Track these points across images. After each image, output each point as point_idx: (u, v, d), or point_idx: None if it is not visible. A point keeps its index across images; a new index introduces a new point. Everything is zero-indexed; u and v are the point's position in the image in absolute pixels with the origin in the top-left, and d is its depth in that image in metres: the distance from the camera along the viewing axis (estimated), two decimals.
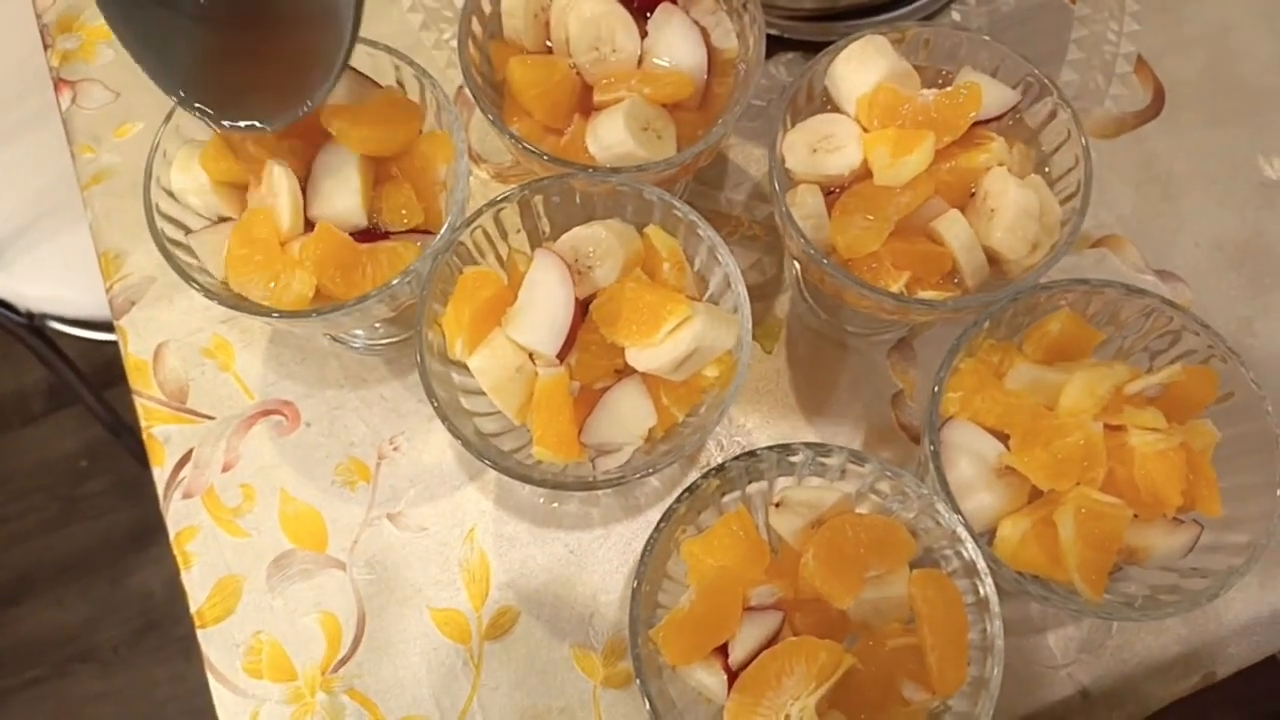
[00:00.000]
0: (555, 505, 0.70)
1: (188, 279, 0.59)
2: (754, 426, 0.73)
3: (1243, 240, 0.79)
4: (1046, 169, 0.63)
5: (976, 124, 0.62)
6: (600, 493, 0.71)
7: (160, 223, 0.60)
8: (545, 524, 0.70)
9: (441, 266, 0.58)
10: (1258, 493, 0.56)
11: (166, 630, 1.72)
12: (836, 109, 0.64)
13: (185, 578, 0.68)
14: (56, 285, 1.19)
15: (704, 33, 0.65)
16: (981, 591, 0.53)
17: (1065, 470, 0.54)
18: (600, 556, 0.69)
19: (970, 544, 0.53)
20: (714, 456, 0.72)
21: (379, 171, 0.62)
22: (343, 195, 0.60)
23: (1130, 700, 0.67)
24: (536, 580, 0.68)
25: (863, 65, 0.62)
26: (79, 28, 0.85)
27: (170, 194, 0.61)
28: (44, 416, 1.81)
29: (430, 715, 0.65)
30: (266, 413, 0.72)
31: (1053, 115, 0.62)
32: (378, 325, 0.73)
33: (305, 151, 0.62)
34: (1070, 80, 0.82)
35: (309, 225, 0.60)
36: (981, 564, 0.53)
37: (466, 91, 0.64)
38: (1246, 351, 0.75)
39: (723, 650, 0.54)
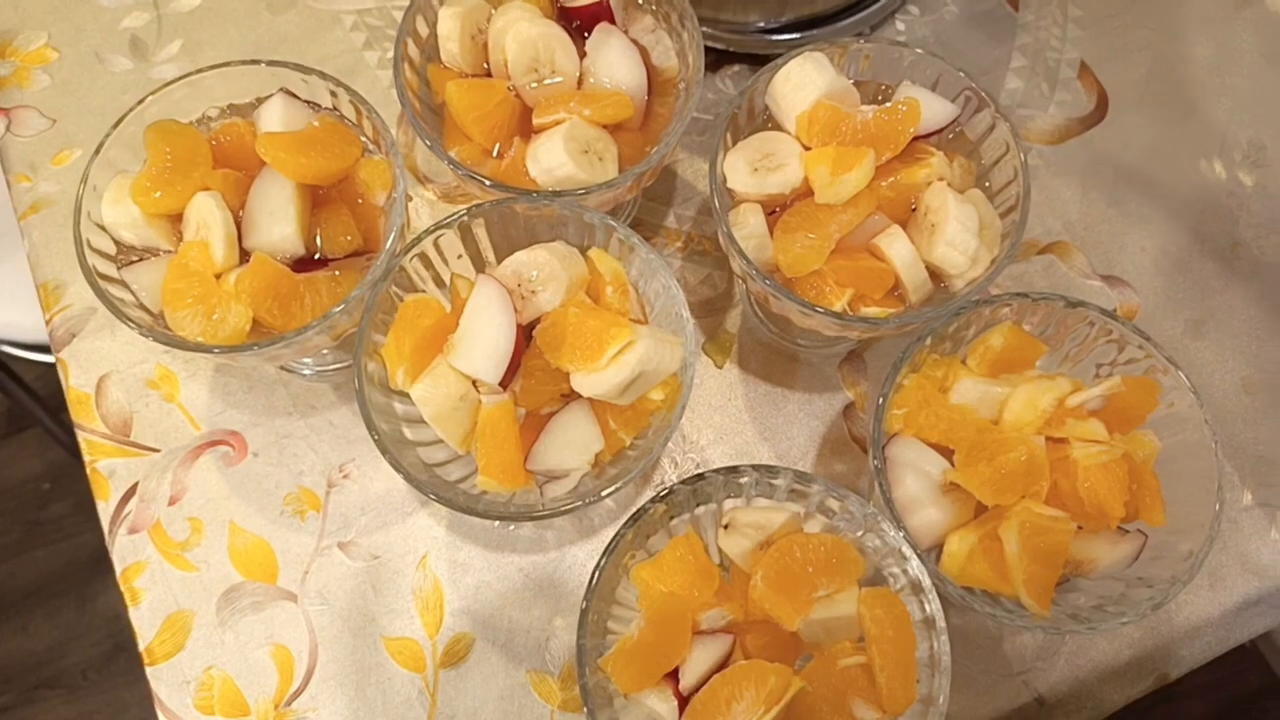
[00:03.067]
0: (510, 529, 0.70)
1: (121, 316, 0.57)
2: (707, 443, 0.73)
3: (1188, 244, 0.79)
4: (987, 183, 0.63)
5: (917, 138, 0.62)
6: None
7: (92, 258, 0.58)
8: (499, 549, 0.69)
9: (381, 295, 0.57)
10: (1199, 500, 0.57)
11: (135, 652, 1.69)
12: (777, 127, 0.64)
13: (133, 614, 0.67)
14: (7, 310, 1.17)
15: (643, 52, 0.65)
16: (928, 609, 0.53)
17: (1009, 485, 0.54)
18: (556, 580, 0.69)
19: (915, 561, 0.53)
20: (668, 474, 0.72)
21: (317, 198, 0.62)
22: (279, 225, 0.59)
23: (1086, 705, 0.68)
24: (491, 606, 0.68)
25: (801, 83, 0.62)
26: (13, 53, 0.84)
27: (102, 228, 0.60)
28: (3, 440, 1.78)
29: None
30: (213, 443, 0.71)
31: (992, 128, 0.63)
32: (326, 352, 0.72)
33: (240, 180, 0.61)
34: (1015, 87, 0.83)
35: (246, 256, 0.59)
36: (927, 581, 0.53)
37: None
38: (1193, 354, 0.76)
39: (674, 675, 0.54)
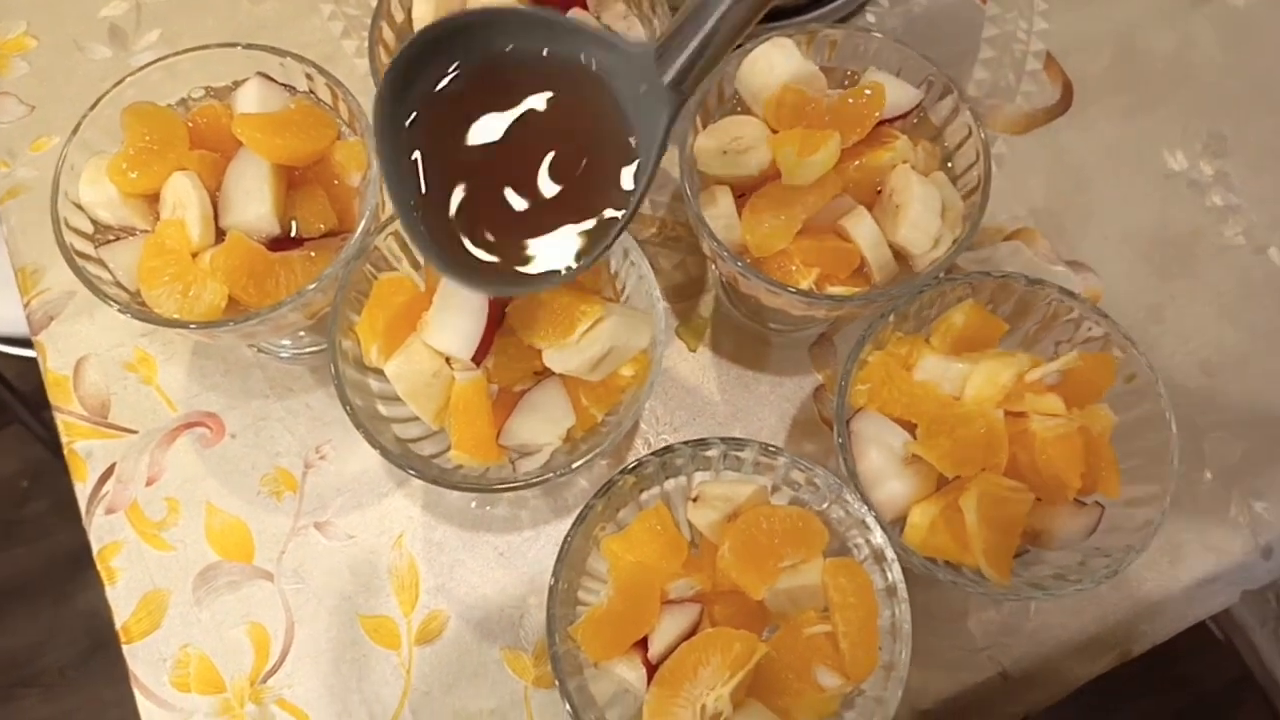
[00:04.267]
0: (485, 509, 0.71)
1: (99, 294, 0.58)
2: (680, 424, 0.74)
3: (1150, 231, 0.81)
4: (950, 164, 0.65)
5: (882, 122, 0.63)
6: (529, 495, 0.71)
7: (69, 237, 0.59)
8: (474, 528, 0.70)
9: (355, 273, 0.58)
10: (1155, 473, 0.58)
11: (114, 650, 1.68)
12: (746, 111, 0.65)
13: (110, 593, 0.68)
14: None
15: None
16: (890, 577, 0.54)
17: (969, 457, 0.56)
18: (530, 558, 0.69)
19: (878, 532, 0.54)
20: (641, 454, 0.73)
21: (293, 179, 0.63)
22: (254, 204, 0.60)
23: (1050, 680, 0.69)
24: (466, 584, 0.69)
25: (769, 67, 0.63)
26: None
27: (80, 207, 0.61)
28: None
29: None
30: (190, 425, 0.72)
31: (955, 112, 0.64)
32: (302, 333, 0.73)
33: (217, 162, 0.61)
34: (982, 78, 0.85)
35: (222, 236, 0.60)
36: (889, 551, 0.54)
37: None
38: (1155, 337, 0.78)
39: (643, 644, 0.55)
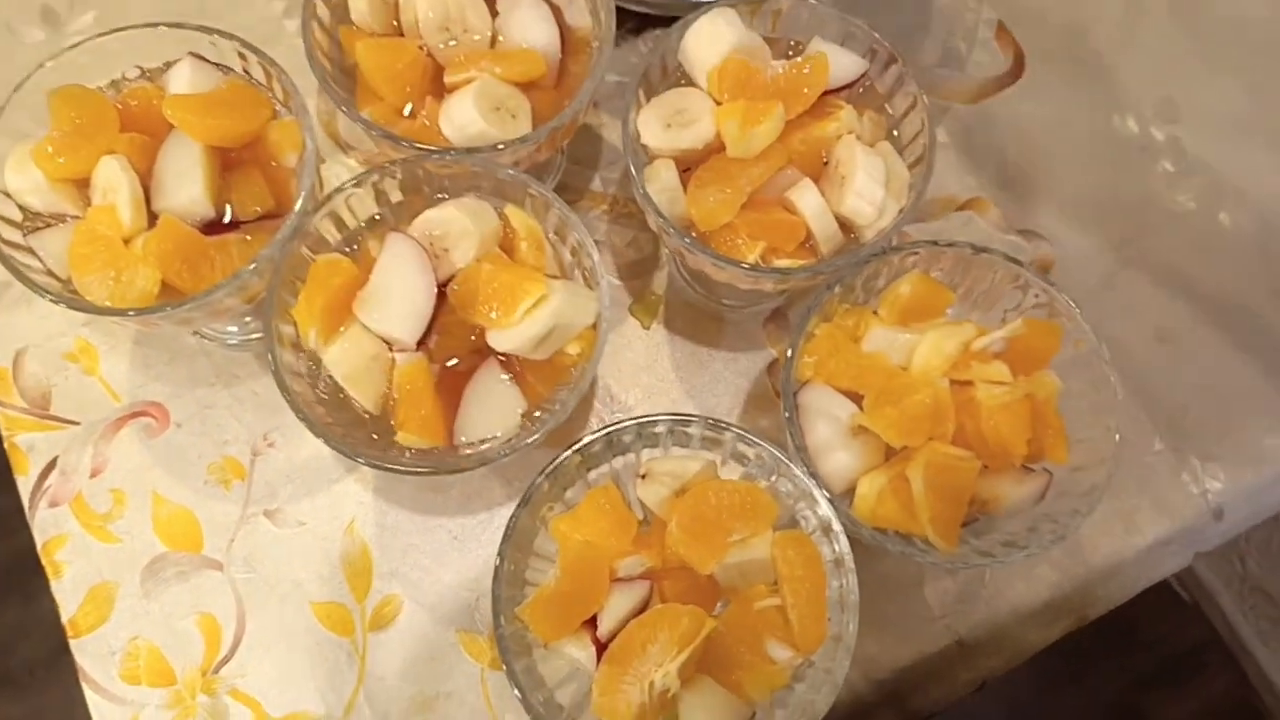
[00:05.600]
0: (437, 495, 0.70)
1: (29, 284, 0.57)
2: (635, 402, 0.73)
3: (1102, 198, 0.81)
4: (896, 134, 0.64)
5: (826, 93, 0.63)
6: (482, 478, 0.70)
7: None
8: (427, 512, 0.69)
9: (291, 255, 0.57)
10: (1102, 438, 0.58)
11: None
12: (690, 83, 0.64)
13: (55, 587, 0.67)
14: None
15: (556, 10, 0.65)
16: (837, 549, 0.54)
17: (915, 427, 0.56)
18: (484, 540, 0.69)
19: (824, 504, 0.54)
20: None
21: (228, 161, 0.61)
22: (187, 187, 0.58)
23: (1006, 646, 0.70)
24: (420, 568, 0.68)
25: (713, 38, 0.62)
26: None
27: (7, 195, 0.59)
28: None
29: (315, 711, 0.64)
30: (135, 415, 0.70)
31: (900, 82, 0.64)
32: (248, 319, 0.72)
33: (148, 145, 0.60)
34: (933, 47, 0.84)
35: (155, 220, 0.59)
36: (836, 523, 0.54)
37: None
38: (1107, 305, 0.77)
39: (593, 623, 0.55)
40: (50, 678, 1.61)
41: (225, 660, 0.65)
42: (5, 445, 0.69)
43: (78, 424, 0.70)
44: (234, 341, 0.73)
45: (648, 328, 0.75)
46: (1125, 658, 1.57)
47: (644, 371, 0.74)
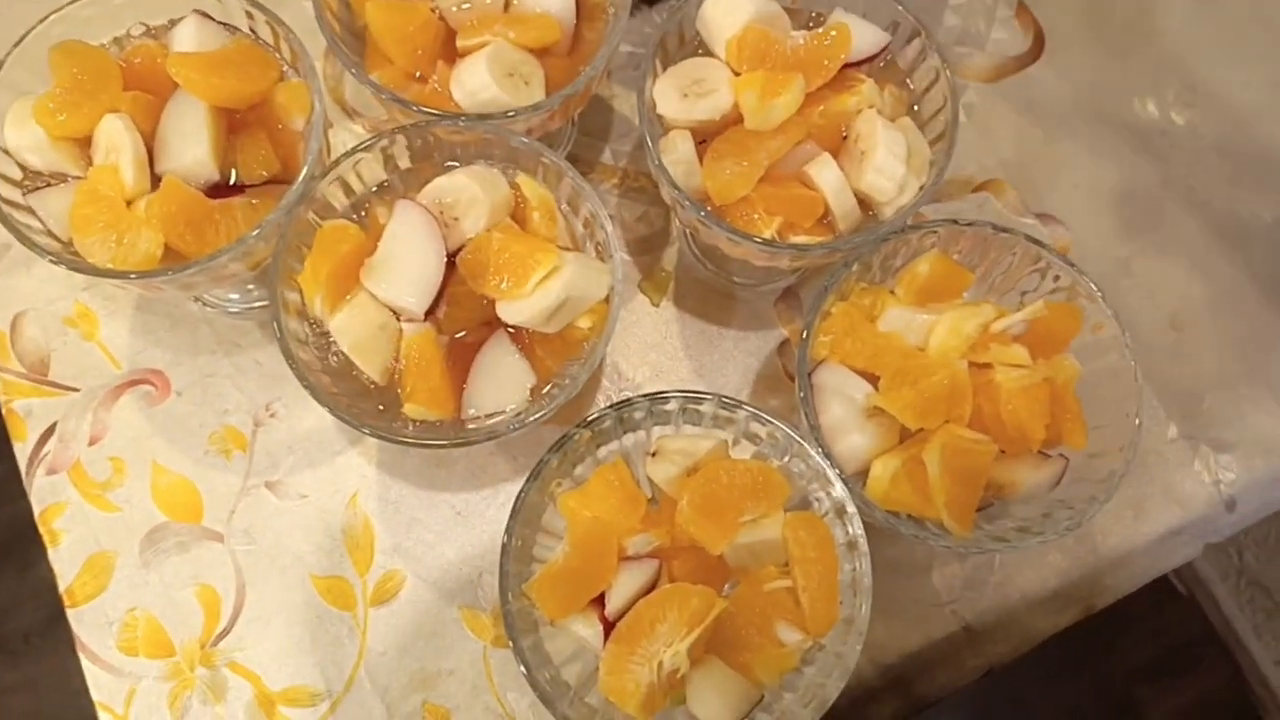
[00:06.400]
0: (442, 467, 0.69)
1: (29, 244, 0.55)
2: (643, 380, 0.72)
3: (1120, 182, 0.80)
4: (917, 108, 0.63)
5: (847, 66, 0.61)
6: (487, 453, 0.69)
7: None
8: (431, 486, 0.68)
9: (298, 220, 0.56)
10: (1120, 424, 0.57)
11: None
12: (708, 53, 0.63)
13: (53, 555, 0.66)
14: None
15: None
16: (851, 531, 0.53)
17: (932, 409, 0.55)
18: (488, 516, 0.68)
19: (839, 485, 0.53)
20: None
21: (233, 123, 0.60)
22: (192, 148, 0.57)
23: (1013, 633, 0.69)
24: (423, 543, 0.67)
25: (732, 7, 0.61)
26: None
27: (6, 152, 0.58)
28: None
29: (315, 685, 0.64)
30: (135, 382, 0.69)
31: (922, 56, 0.62)
32: (250, 287, 0.70)
33: (152, 104, 0.58)
34: (952, 25, 0.82)
35: (158, 182, 0.57)
36: (850, 505, 0.53)
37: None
38: (1123, 290, 0.77)
39: (601, 601, 0.54)
40: (46, 646, 1.60)
41: (224, 633, 0.64)
42: (3, 411, 0.68)
43: (77, 390, 0.69)
44: (235, 309, 0.72)
45: (657, 305, 0.74)
46: (1121, 649, 1.57)
47: (652, 349, 0.73)
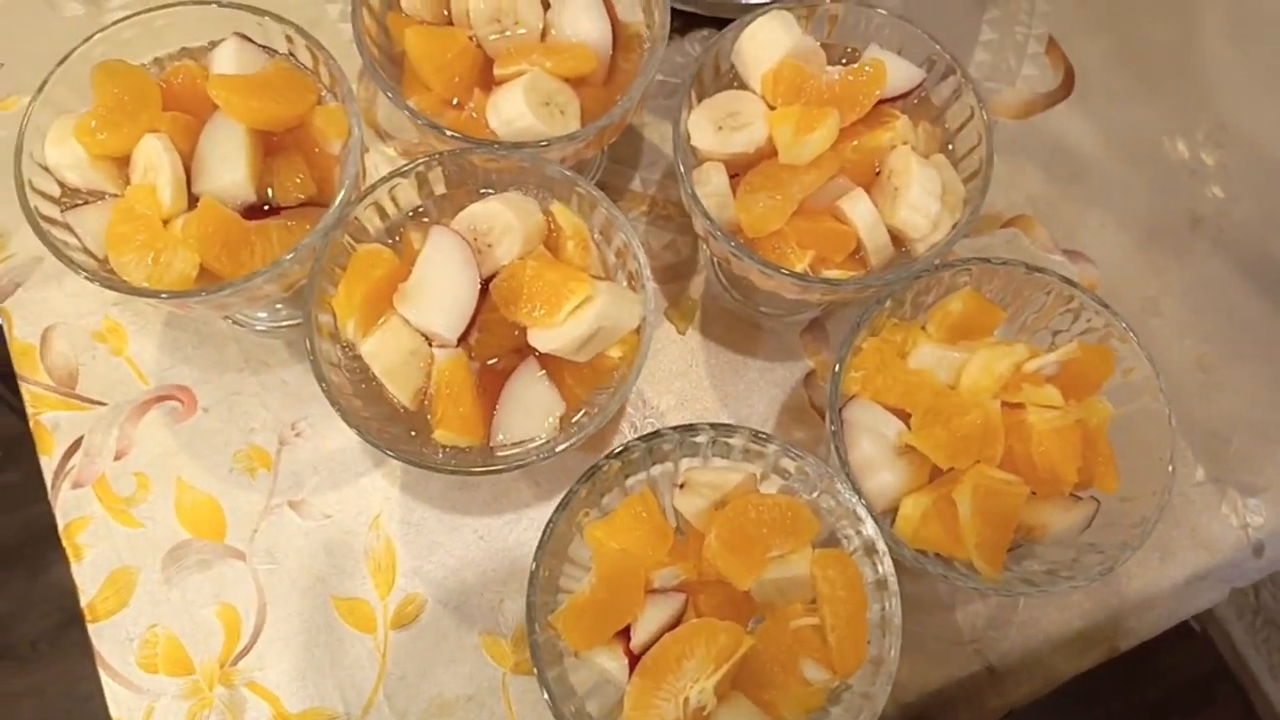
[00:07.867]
0: (465, 492, 0.69)
1: (65, 260, 0.56)
2: (668, 408, 0.72)
3: (1149, 221, 0.80)
4: (950, 147, 0.63)
5: (882, 102, 0.62)
6: (511, 478, 0.69)
7: (35, 200, 0.57)
8: (454, 510, 0.68)
9: (333, 244, 0.56)
10: (1152, 468, 0.57)
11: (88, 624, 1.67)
12: (743, 85, 0.63)
13: (75, 570, 0.66)
14: None
15: (609, 6, 0.64)
16: (880, 570, 0.53)
17: (964, 448, 0.54)
18: (511, 542, 0.68)
19: (869, 523, 0.53)
20: (628, 439, 0.71)
21: (270, 145, 0.60)
22: (229, 169, 0.57)
23: (1036, 674, 0.68)
24: (445, 567, 0.67)
25: (768, 41, 0.61)
26: None
27: (46, 169, 0.58)
28: None
29: (335, 707, 0.63)
30: (161, 398, 0.69)
31: (957, 93, 0.62)
32: (279, 306, 0.70)
33: (191, 124, 0.59)
34: (982, 61, 0.83)
35: (195, 202, 0.58)
36: (880, 543, 0.52)
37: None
38: (1151, 331, 0.77)
39: (626, 634, 0.54)
40: (54, 653, 1.60)
41: (244, 652, 0.64)
42: (30, 423, 0.68)
43: (104, 405, 0.69)
44: (263, 327, 0.72)
45: (683, 333, 0.74)
46: (1135, 686, 1.55)
47: (678, 377, 0.73)
